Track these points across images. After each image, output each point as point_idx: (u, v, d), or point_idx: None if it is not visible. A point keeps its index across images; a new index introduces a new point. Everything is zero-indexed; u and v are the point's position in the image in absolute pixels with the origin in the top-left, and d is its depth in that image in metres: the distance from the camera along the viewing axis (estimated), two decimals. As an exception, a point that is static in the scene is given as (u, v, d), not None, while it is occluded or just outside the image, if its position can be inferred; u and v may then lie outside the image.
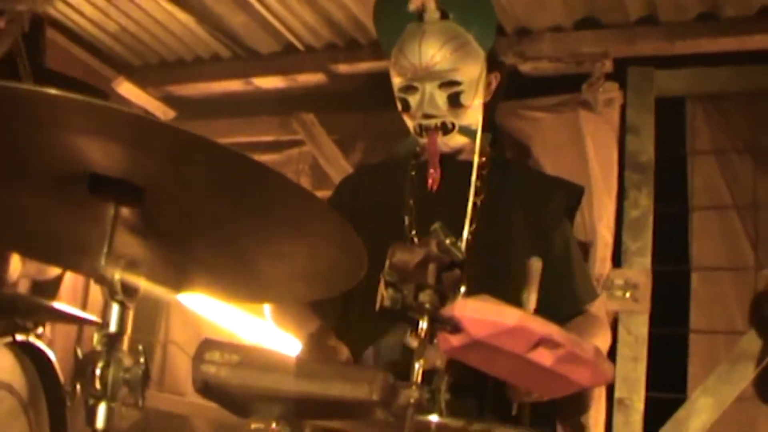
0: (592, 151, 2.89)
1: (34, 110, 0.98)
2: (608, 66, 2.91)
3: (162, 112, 3.51)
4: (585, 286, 1.91)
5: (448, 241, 1.23)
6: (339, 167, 3.41)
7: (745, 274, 2.73)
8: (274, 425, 1.38)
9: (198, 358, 1.34)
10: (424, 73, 1.81)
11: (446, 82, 1.81)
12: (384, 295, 1.20)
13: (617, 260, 2.80)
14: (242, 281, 1.24)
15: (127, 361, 1.12)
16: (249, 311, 3.03)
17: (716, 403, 2.62)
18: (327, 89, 3.36)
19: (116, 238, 1.12)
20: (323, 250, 1.09)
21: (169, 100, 3.54)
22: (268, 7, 3.02)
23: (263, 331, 2.90)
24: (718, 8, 2.71)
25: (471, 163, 1.83)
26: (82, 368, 1.11)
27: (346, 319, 1.84)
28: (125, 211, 1.14)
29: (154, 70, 3.47)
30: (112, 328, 1.13)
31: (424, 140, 1.86)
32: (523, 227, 1.85)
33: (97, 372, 1.09)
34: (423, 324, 1.21)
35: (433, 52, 1.79)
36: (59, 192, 1.14)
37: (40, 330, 1.91)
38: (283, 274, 1.17)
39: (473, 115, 1.85)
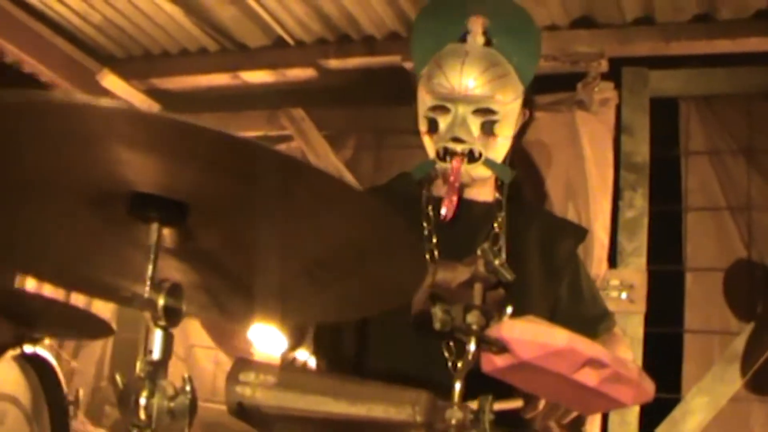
0: (588, 151, 2.89)
1: (70, 121, 0.93)
2: (604, 65, 2.89)
3: (146, 105, 3.42)
4: (599, 313, 1.88)
5: (497, 262, 1.21)
6: (329, 163, 3.36)
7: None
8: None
9: (232, 379, 1.31)
10: (460, 96, 1.74)
11: (482, 108, 1.74)
12: (435, 316, 1.17)
13: (613, 261, 2.80)
14: (302, 304, 1.20)
15: (171, 390, 1.08)
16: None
17: (711, 403, 2.66)
18: (316, 84, 3.30)
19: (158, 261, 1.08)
20: (386, 264, 1.05)
21: (153, 94, 3.45)
22: (258, 0, 2.95)
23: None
24: (715, 10, 2.71)
25: (487, 204, 1.82)
26: (124, 397, 1.07)
27: (363, 344, 1.77)
28: (167, 232, 1.10)
29: (138, 63, 3.37)
30: (156, 355, 1.09)
31: (445, 165, 1.75)
32: (538, 270, 1.80)
33: (142, 402, 1.05)
34: (471, 345, 1.20)
35: (475, 75, 1.73)
36: (96, 214, 1.09)
37: (47, 341, 1.85)
38: (348, 292, 1.13)
39: (501, 149, 1.79)
